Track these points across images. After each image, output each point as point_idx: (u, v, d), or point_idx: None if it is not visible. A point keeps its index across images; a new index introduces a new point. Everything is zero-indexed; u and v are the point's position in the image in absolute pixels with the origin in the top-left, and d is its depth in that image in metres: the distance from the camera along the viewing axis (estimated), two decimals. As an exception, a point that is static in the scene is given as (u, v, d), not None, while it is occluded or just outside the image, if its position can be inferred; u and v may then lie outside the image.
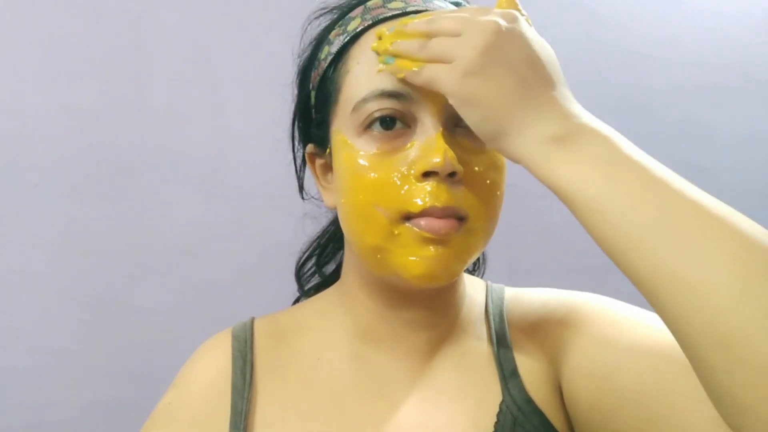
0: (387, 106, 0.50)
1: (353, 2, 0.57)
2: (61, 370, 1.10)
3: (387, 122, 0.50)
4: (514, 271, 1.00)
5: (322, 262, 0.69)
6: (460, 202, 0.49)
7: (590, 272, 0.95)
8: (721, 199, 0.38)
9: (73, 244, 1.11)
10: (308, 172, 0.63)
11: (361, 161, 0.50)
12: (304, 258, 0.69)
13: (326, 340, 0.59)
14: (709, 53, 1.50)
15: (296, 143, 0.63)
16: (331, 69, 0.55)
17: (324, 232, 0.69)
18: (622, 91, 1.44)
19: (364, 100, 0.50)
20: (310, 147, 0.60)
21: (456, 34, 0.45)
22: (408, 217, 0.49)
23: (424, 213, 0.49)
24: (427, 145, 0.49)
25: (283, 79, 0.63)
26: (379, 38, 0.51)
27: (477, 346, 0.58)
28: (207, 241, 1.17)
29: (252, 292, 1.13)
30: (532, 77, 0.43)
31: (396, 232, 0.50)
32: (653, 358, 0.47)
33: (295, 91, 0.61)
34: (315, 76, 0.57)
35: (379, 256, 0.51)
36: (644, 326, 0.51)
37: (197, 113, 1.19)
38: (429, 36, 0.47)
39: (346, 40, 0.54)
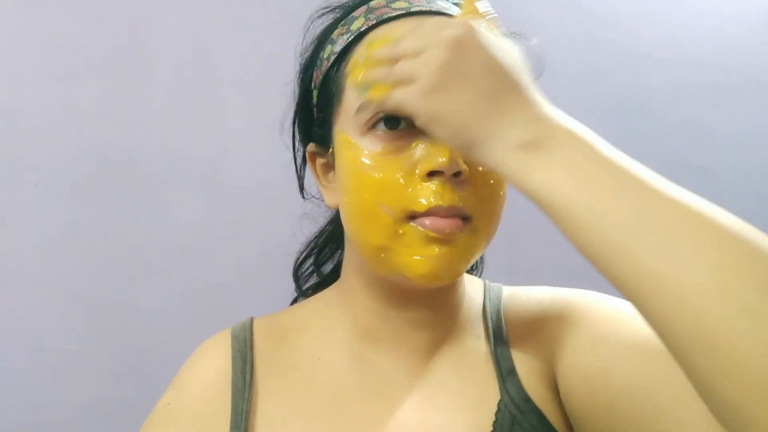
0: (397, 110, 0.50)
1: (356, 1, 0.57)
2: (61, 370, 1.10)
3: (392, 122, 0.50)
4: (514, 271, 1.00)
5: (320, 261, 0.69)
6: (464, 202, 0.49)
7: (590, 272, 0.94)
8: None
9: (73, 244, 1.11)
10: (308, 172, 0.63)
11: (366, 161, 0.51)
12: (301, 258, 0.69)
13: (326, 340, 0.59)
14: (709, 53, 1.50)
15: (296, 142, 0.63)
16: (334, 69, 0.55)
17: (322, 231, 0.69)
18: (622, 91, 1.44)
19: (366, 104, 0.50)
20: (311, 146, 0.60)
21: (417, 54, 0.44)
22: (413, 217, 0.49)
23: (429, 212, 0.49)
24: (433, 144, 0.49)
25: (284, 79, 0.63)
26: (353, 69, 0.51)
27: (475, 345, 0.58)
28: (207, 241, 1.17)
29: (252, 292, 1.13)
30: (494, 85, 0.43)
31: (400, 231, 0.50)
32: (646, 353, 0.47)
33: (296, 90, 0.61)
34: (317, 75, 0.57)
35: (382, 255, 0.51)
36: (639, 322, 0.50)
37: (197, 113, 1.19)
38: (394, 60, 0.46)
39: (350, 39, 0.54)
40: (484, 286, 0.63)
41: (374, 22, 0.53)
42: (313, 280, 0.70)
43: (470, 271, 0.69)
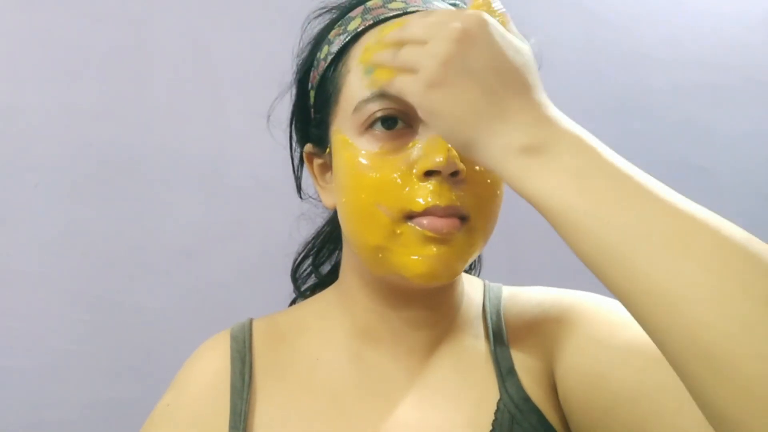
0: (389, 106, 0.49)
1: (353, 2, 0.57)
2: (61, 370, 1.10)
3: (389, 122, 0.50)
4: (514, 271, 1.00)
5: (318, 262, 0.69)
6: (462, 202, 0.49)
7: (590, 273, 0.94)
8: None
9: (73, 244, 1.11)
10: (306, 172, 0.63)
11: (363, 161, 0.50)
12: (299, 259, 0.69)
13: (325, 340, 0.59)
14: (709, 53, 1.50)
15: (294, 143, 0.63)
16: (331, 69, 0.55)
17: (319, 232, 0.69)
18: (622, 91, 1.44)
19: (366, 101, 0.50)
20: (308, 147, 0.60)
21: (423, 42, 0.43)
22: (410, 217, 0.49)
23: (426, 212, 0.49)
24: (430, 144, 0.49)
25: (284, 79, 0.63)
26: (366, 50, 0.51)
27: (474, 345, 0.58)
28: (207, 242, 1.17)
29: (252, 292, 1.13)
30: (498, 85, 0.41)
31: (398, 231, 0.50)
32: (645, 358, 0.47)
33: (294, 91, 0.61)
34: (314, 75, 0.57)
35: (380, 255, 0.51)
36: (633, 326, 0.50)
37: (197, 113, 1.19)
38: (400, 44, 0.45)
39: (346, 39, 0.54)
40: (484, 286, 0.63)
41: (371, 22, 0.53)
42: (312, 280, 0.70)
43: (468, 271, 0.69)
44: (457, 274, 0.54)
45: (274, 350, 0.60)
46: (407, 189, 0.49)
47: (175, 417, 0.57)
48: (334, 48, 0.55)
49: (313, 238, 0.69)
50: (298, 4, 0.61)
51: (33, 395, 1.09)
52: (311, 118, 0.59)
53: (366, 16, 0.54)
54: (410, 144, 0.50)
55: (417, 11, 0.53)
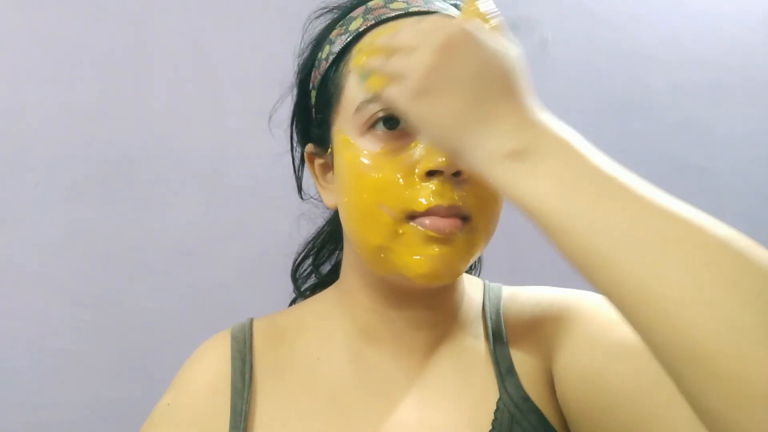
0: (391, 105, 0.50)
1: (354, 2, 0.57)
2: (61, 370, 1.10)
3: (391, 122, 0.50)
4: (515, 271, 0.99)
5: (318, 262, 0.69)
6: (464, 202, 0.49)
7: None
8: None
9: (73, 244, 1.11)
10: (306, 172, 0.63)
11: (365, 161, 0.51)
12: (300, 259, 0.69)
13: (325, 340, 0.59)
14: (709, 53, 1.50)
15: (295, 143, 0.63)
16: (333, 69, 0.55)
17: (320, 232, 0.69)
18: (622, 91, 1.44)
19: (368, 101, 0.50)
20: (309, 147, 0.60)
21: (412, 50, 0.44)
22: (412, 217, 0.50)
23: (428, 212, 0.49)
24: (432, 144, 0.49)
25: (284, 79, 0.63)
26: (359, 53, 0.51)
27: (474, 345, 0.58)
28: (207, 242, 1.17)
29: (252, 292, 1.13)
30: (482, 91, 0.42)
31: (400, 231, 0.50)
32: (642, 356, 0.46)
33: (295, 91, 0.61)
34: (315, 75, 0.57)
35: (382, 255, 0.51)
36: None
37: (197, 113, 1.19)
38: (391, 52, 0.46)
39: (348, 39, 0.54)
40: (484, 286, 0.63)
41: (372, 22, 0.53)
42: (312, 280, 0.70)
43: (469, 271, 0.69)
44: (459, 274, 0.54)
45: (274, 350, 0.60)
46: (409, 189, 0.49)
47: (175, 417, 0.57)
48: (336, 48, 0.55)
49: (313, 238, 0.69)
50: (299, 4, 0.61)
51: (33, 395, 1.09)
52: (312, 118, 0.59)
53: (367, 16, 0.54)
54: (412, 144, 0.50)
55: (418, 11, 0.53)
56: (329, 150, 0.56)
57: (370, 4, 0.55)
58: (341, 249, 0.65)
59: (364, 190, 0.51)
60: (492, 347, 0.57)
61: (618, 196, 0.37)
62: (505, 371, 0.56)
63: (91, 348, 1.11)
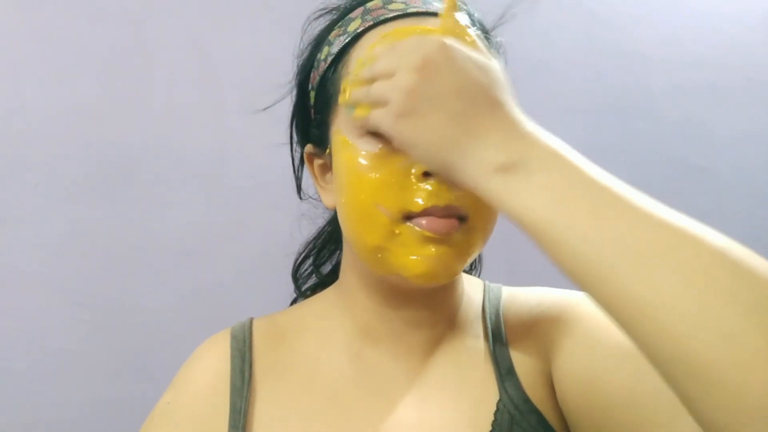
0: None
1: (353, 3, 0.57)
2: (61, 370, 1.10)
3: None
4: (514, 272, 0.99)
5: (319, 262, 0.69)
6: (460, 202, 0.49)
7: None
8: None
9: (73, 244, 1.11)
10: (306, 172, 0.63)
11: (363, 161, 0.51)
12: (300, 259, 0.70)
13: (325, 340, 0.60)
14: (709, 53, 1.50)
15: (294, 143, 0.63)
16: (332, 70, 0.55)
17: (321, 232, 0.69)
18: (622, 91, 1.44)
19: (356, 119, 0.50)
20: (308, 147, 0.60)
21: (390, 75, 0.44)
22: (409, 217, 0.50)
23: (425, 212, 0.49)
24: None
25: (284, 79, 0.63)
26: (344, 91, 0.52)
27: (474, 345, 0.58)
28: (207, 242, 1.17)
29: (252, 292, 1.13)
30: (465, 107, 0.42)
31: (397, 231, 0.50)
32: (634, 362, 0.46)
33: (294, 92, 0.61)
34: (315, 76, 0.57)
35: (379, 255, 0.51)
36: None
37: (197, 113, 1.19)
38: (371, 79, 0.47)
39: (347, 40, 0.54)
40: (484, 286, 0.63)
41: (371, 23, 0.53)
42: (313, 280, 0.70)
43: (469, 272, 0.69)
44: (456, 274, 0.54)
45: (274, 349, 0.60)
46: (406, 189, 0.49)
47: (175, 416, 0.57)
48: (335, 49, 0.55)
49: (314, 238, 0.69)
50: (299, 5, 0.61)
51: (33, 395, 1.09)
52: (311, 119, 0.59)
53: (366, 17, 0.54)
54: None
55: (417, 12, 0.53)
56: (328, 150, 0.56)
57: (368, 5, 0.55)
58: (341, 249, 0.65)
59: (361, 191, 0.51)
60: (492, 348, 0.57)
61: (612, 206, 0.37)
62: (504, 372, 0.56)
63: (91, 348, 1.11)
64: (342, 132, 0.53)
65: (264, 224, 1.18)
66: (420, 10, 0.54)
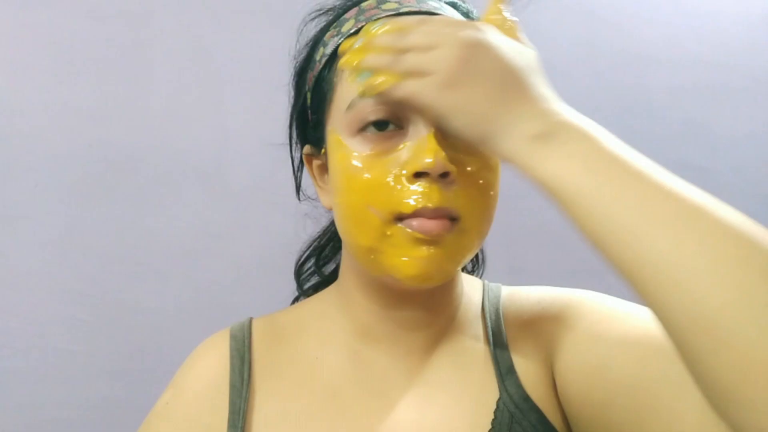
0: (381, 106, 0.50)
1: (348, 3, 0.57)
2: (61, 370, 1.10)
3: (380, 123, 0.50)
4: (514, 272, 1.00)
5: (321, 262, 0.69)
6: (452, 203, 0.49)
7: (590, 272, 0.95)
8: (721, 199, 0.38)
9: (73, 244, 1.11)
10: (306, 173, 0.63)
11: (355, 162, 0.51)
12: (303, 258, 0.70)
13: (324, 339, 0.60)
14: (709, 53, 1.50)
15: (294, 144, 0.64)
16: (326, 70, 0.55)
17: (324, 232, 0.69)
18: (622, 91, 1.44)
19: (359, 97, 0.50)
20: (307, 148, 0.60)
21: (428, 48, 0.46)
22: (400, 218, 0.49)
23: (416, 214, 0.49)
24: (419, 145, 0.49)
25: (284, 79, 0.63)
26: (344, 52, 0.51)
27: (474, 345, 0.58)
28: (207, 241, 1.18)
29: (252, 292, 1.13)
30: (507, 82, 0.45)
31: (388, 232, 0.50)
32: (641, 348, 0.47)
33: (292, 93, 0.61)
34: (311, 77, 0.58)
35: (372, 256, 0.51)
36: (632, 319, 0.51)
37: (197, 113, 1.19)
38: (400, 50, 0.47)
39: (340, 41, 0.54)
40: (483, 286, 0.63)
41: (364, 23, 0.53)
42: (315, 279, 0.70)
43: (471, 272, 0.69)
44: (449, 275, 0.54)
45: (273, 349, 0.60)
46: (397, 191, 0.49)
47: (173, 415, 0.57)
48: (329, 50, 0.55)
49: (317, 238, 0.69)
50: (299, 5, 0.61)
51: (33, 395, 1.09)
52: (309, 120, 0.59)
53: (360, 17, 0.54)
54: (401, 146, 0.50)
55: (410, 12, 0.53)
56: (323, 151, 0.56)
57: (363, 5, 0.55)
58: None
59: (353, 192, 0.51)
60: (492, 347, 0.58)
61: (638, 177, 0.40)
62: (505, 371, 0.56)
63: (91, 348, 1.11)
64: (337, 131, 0.53)
65: (264, 224, 1.18)
66: (413, 9, 0.54)
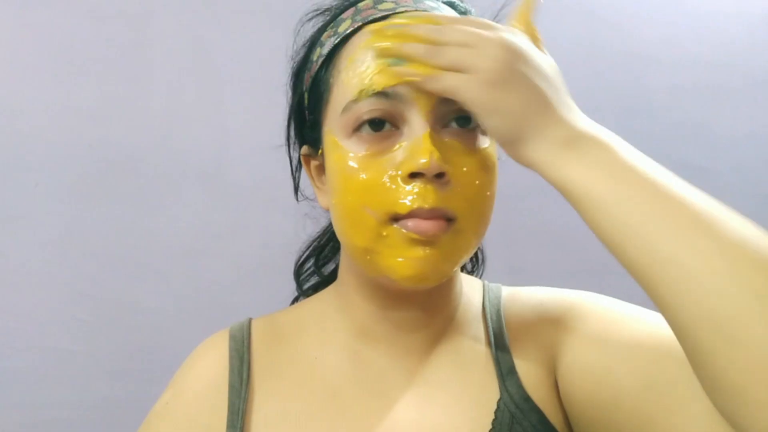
0: (376, 106, 0.50)
1: (345, 4, 0.57)
2: (61, 370, 1.10)
3: (376, 123, 0.50)
4: (514, 272, 0.99)
5: (321, 262, 0.69)
6: (447, 203, 0.49)
7: (590, 273, 0.95)
8: (721, 199, 0.39)
9: (73, 244, 1.11)
10: (305, 174, 0.63)
11: (351, 163, 0.51)
12: (303, 258, 0.70)
13: (324, 339, 0.60)
14: (709, 53, 1.50)
15: (291, 145, 0.64)
16: (323, 70, 0.55)
17: (323, 232, 0.69)
18: (622, 91, 1.44)
19: (354, 101, 0.50)
20: (304, 148, 0.60)
21: (469, 46, 0.46)
22: (396, 219, 0.49)
23: (411, 214, 0.49)
24: (414, 146, 0.49)
25: (284, 79, 0.63)
26: (375, 34, 0.51)
27: (474, 345, 0.58)
28: (207, 241, 1.18)
29: (252, 292, 1.13)
30: (541, 90, 0.46)
31: (384, 233, 0.50)
32: (648, 353, 0.48)
33: (290, 93, 0.61)
34: (308, 77, 0.58)
35: (368, 257, 0.51)
36: (639, 322, 0.51)
37: (197, 113, 1.19)
38: (439, 44, 0.47)
39: (336, 41, 0.54)
40: (483, 286, 0.63)
41: (360, 24, 0.53)
42: (314, 279, 0.70)
43: (471, 272, 0.69)
44: (445, 275, 0.54)
45: (272, 349, 0.60)
46: (392, 191, 0.49)
47: (173, 415, 0.57)
48: (326, 50, 0.55)
49: (317, 238, 0.69)
50: (299, 5, 0.61)
51: (33, 395, 1.09)
52: (306, 120, 0.59)
53: (356, 18, 0.54)
54: (396, 146, 0.50)
55: (406, 11, 0.53)
56: (320, 151, 0.56)
57: (359, 5, 0.55)
58: (342, 249, 0.65)
59: (349, 192, 0.51)
60: (493, 347, 0.57)
61: (655, 185, 0.42)
62: (506, 371, 0.56)
63: (91, 348, 1.11)
64: (333, 132, 0.53)
65: (264, 224, 1.18)
66: (410, 8, 0.54)
